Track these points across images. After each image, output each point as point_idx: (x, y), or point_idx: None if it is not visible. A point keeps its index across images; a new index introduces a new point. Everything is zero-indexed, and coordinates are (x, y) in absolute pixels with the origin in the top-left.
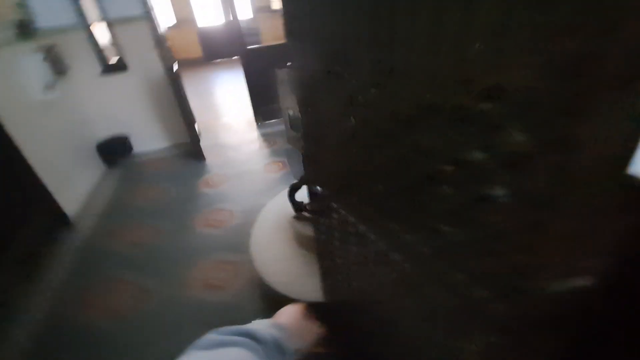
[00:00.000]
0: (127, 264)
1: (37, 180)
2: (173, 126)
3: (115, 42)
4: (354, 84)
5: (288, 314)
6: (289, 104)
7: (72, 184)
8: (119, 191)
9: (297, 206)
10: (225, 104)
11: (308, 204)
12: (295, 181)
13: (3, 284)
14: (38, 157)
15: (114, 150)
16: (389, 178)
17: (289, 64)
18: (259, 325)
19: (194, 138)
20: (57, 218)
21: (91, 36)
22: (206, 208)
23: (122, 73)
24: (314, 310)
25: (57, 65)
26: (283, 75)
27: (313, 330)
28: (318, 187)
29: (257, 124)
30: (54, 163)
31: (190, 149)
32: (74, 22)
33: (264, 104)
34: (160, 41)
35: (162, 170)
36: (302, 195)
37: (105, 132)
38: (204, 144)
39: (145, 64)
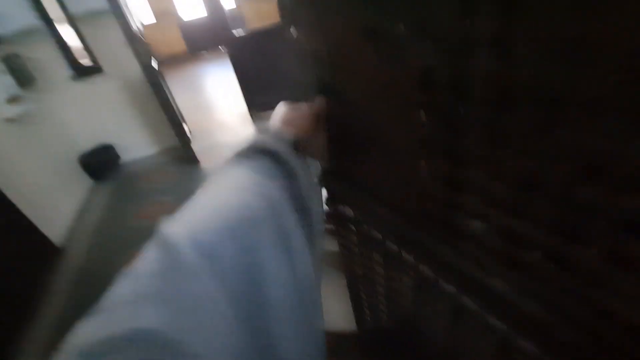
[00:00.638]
0: None
1: (14, 207)
2: (161, 129)
3: (84, 42)
4: (429, 50)
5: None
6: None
7: (57, 205)
8: (110, 209)
9: None
10: (216, 100)
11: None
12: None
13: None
14: (12, 181)
15: (100, 162)
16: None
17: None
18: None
19: (184, 141)
20: (44, 248)
21: (58, 38)
22: None
23: (97, 76)
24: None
25: (21, 75)
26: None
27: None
28: (347, 208)
29: (252, 117)
30: (32, 185)
31: (181, 153)
32: (35, 24)
33: (257, 95)
34: (134, 38)
35: (155, 181)
36: None
37: (87, 143)
38: (196, 146)
39: (121, 64)
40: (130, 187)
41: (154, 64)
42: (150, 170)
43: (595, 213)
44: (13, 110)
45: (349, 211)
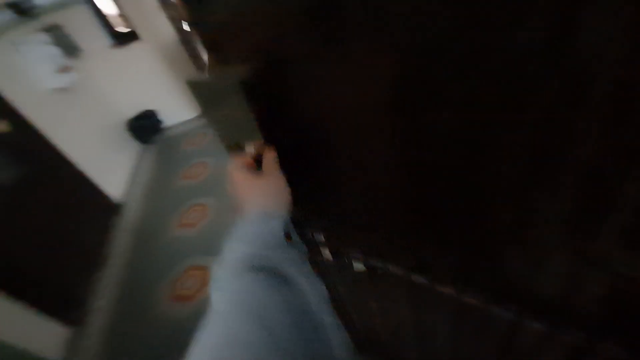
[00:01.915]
0: (182, 247)
1: (78, 171)
2: None
3: (120, 9)
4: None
5: (248, 190)
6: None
7: (113, 167)
8: (157, 170)
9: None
10: None
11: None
12: None
13: (72, 279)
14: (71, 147)
15: (144, 127)
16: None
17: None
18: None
19: None
20: (106, 205)
21: (94, 7)
22: None
23: (134, 43)
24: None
25: (66, 45)
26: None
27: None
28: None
29: None
30: (88, 150)
31: None
32: None
33: None
34: (167, 2)
35: (196, 143)
36: None
37: (131, 109)
38: None
39: (157, 30)
40: (174, 150)
41: (186, 27)
42: (191, 134)
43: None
44: (64, 80)
45: (319, 236)
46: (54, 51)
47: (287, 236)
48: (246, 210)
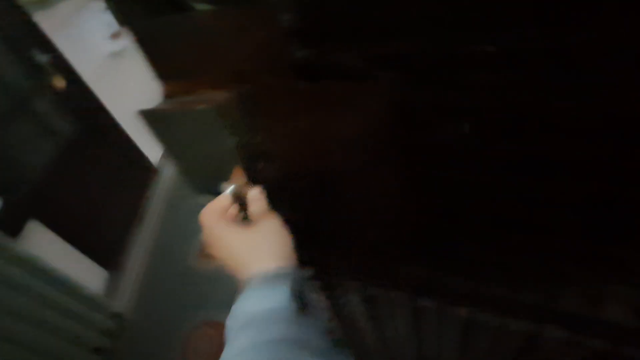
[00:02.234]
0: None
1: (127, 136)
2: None
3: None
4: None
5: (230, 246)
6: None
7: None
8: None
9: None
10: None
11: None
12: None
13: (113, 228)
14: (117, 109)
15: None
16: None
17: None
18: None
19: None
20: (146, 168)
21: None
22: None
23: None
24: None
25: None
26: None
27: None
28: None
29: None
30: (131, 114)
31: None
32: None
33: None
34: None
35: None
36: None
37: None
38: None
39: None
40: None
41: None
42: None
43: None
44: (117, 45)
45: (308, 271)
46: (108, 18)
47: (300, 301)
48: (241, 276)
